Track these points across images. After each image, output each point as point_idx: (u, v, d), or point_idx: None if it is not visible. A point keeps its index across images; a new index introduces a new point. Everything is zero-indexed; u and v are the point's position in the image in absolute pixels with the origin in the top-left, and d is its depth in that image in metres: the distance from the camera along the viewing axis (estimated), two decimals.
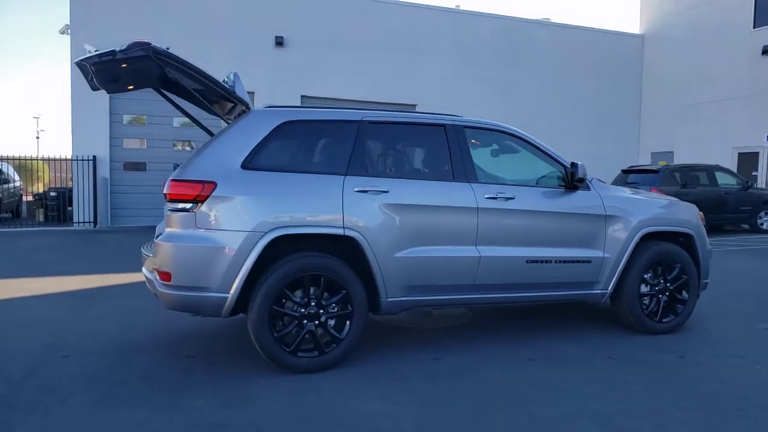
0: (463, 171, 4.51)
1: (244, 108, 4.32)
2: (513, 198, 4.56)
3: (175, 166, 5.22)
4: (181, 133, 16.66)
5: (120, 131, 16.00)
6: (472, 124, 4.69)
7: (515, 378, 3.94)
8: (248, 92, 20.04)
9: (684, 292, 5.16)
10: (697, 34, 19.88)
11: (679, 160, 19.24)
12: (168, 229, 3.91)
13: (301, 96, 16.80)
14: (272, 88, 16.11)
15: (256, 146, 4.01)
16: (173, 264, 3.81)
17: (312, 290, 3.99)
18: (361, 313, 4.09)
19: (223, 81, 4.22)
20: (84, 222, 15.34)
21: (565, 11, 60.84)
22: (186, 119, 17.20)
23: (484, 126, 4.76)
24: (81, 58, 4.08)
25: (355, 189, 4.12)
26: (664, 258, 5.06)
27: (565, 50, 20.12)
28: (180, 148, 16.66)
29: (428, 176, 4.50)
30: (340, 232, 4.03)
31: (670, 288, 5.11)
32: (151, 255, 4.19)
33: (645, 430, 3.14)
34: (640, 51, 21.56)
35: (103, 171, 15.53)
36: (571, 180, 4.77)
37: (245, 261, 3.82)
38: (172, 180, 3.89)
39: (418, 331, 5.14)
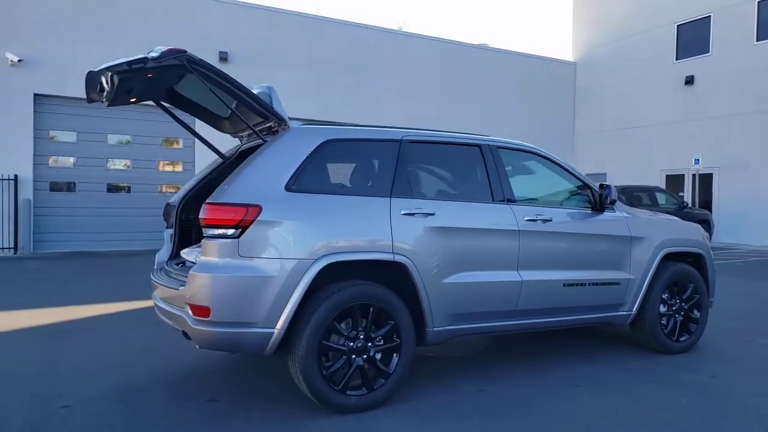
0: (501, 192, 4.35)
1: (275, 125, 3.97)
2: (550, 220, 4.45)
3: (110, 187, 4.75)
4: (117, 151, 15.65)
5: (46, 148, 14.81)
6: (503, 144, 4.56)
7: (576, 407, 3.77)
8: None
9: (696, 311, 5.23)
10: (625, 63, 21.08)
11: (611, 182, 20.16)
12: (204, 258, 3.47)
13: None
14: None
15: (299, 167, 3.67)
16: (213, 297, 3.38)
17: (360, 322, 3.68)
18: (409, 345, 3.80)
19: None
20: (3, 248, 13.99)
21: (504, 37, 63.05)
22: (124, 136, 16.40)
23: (514, 147, 4.64)
24: (109, 64, 3.59)
25: (402, 212, 3.86)
26: (680, 278, 5.11)
27: (502, 75, 20.74)
28: (114, 167, 15.63)
29: (469, 198, 4.29)
30: (389, 257, 3.74)
31: (685, 308, 5.16)
32: (168, 285, 3.74)
33: None
34: (573, 77, 22.59)
35: (26, 192, 14.29)
36: (601, 202, 4.72)
37: (294, 292, 3.45)
38: (210, 204, 3.47)
39: (445, 360, 4.89)
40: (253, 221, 3.42)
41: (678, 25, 19.77)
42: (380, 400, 3.70)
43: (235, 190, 3.50)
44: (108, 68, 3.57)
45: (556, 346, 5.31)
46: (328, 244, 3.57)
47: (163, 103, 4.50)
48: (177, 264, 4.30)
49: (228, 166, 4.68)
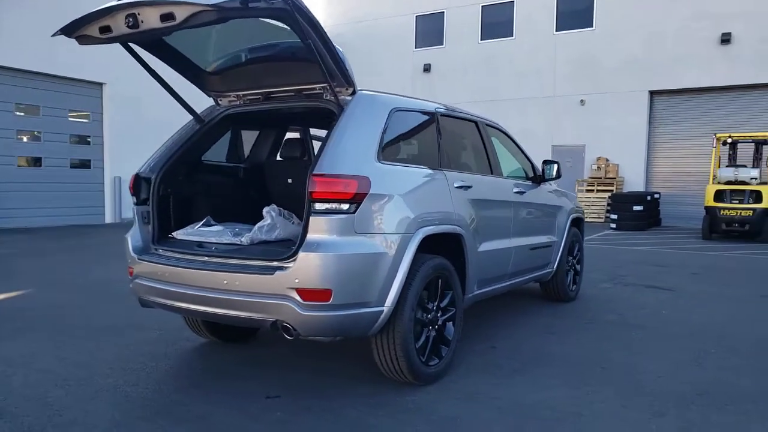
0: (497, 166, 4.75)
1: (326, 90, 3.64)
2: (524, 192, 5.02)
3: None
4: (25, 122, 13.51)
5: None
6: (488, 122, 4.94)
7: (556, 343, 4.45)
8: (97, 83, 15.71)
9: (578, 265, 6.43)
10: (371, 43, 22.60)
11: None
12: (316, 236, 3.10)
13: None
14: None
15: (380, 137, 3.49)
16: (335, 279, 3.07)
17: (434, 294, 3.72)
18: (460, 313, 3.98)
19: None
20: None
21: None
22: (30, 105, 13.22)
23: (490, 124, 5.03)
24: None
25: (455, 184, 3.98)
26: (575, 239, 6.22)
27: None
28: (23, 139, 13.69)
29: (480, 171, 4.57)
30: (457, 230, 3.86)
31: (575, 263, 6.31)
32: (213, 269, 3.29)
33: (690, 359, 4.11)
34: None
35: None
36: (543, 176, 5.44)
37: (400, 267, 3.34)
38: (320, 175, 3.10)
39: None
40: (366, 195, 3.19)
41: (417, 17, 22.10)
42: (445, 369, 3.83)
43: (334, 161, 3.19)
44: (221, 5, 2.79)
45: (499, 309, 5.95)
46: (422, 217, 3.53)
47: (135, 48, 3.65)
48: (178, 246, 3.66)
49: (208, 131, 4.10)
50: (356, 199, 3.15)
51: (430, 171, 3.82)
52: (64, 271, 7.88)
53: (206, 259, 3.43)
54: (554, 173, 5.35)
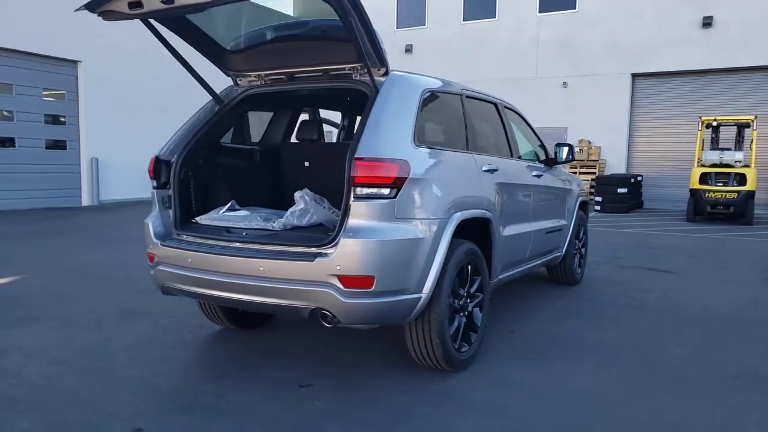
0: (516, 148, 4.69)
1: (355, 70, 3.52)
2: (542, 176, 4.98)
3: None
4: None
5: None
6: (505, 103, 4.86)
7: (570, 327, 4.46)
8: (72, 60, 14.98)
9: (583, 249, 6.45)
10: None
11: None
12: (357, 222, 3.00)
13: None
14: None
15: (415, 119, 3.39)
16: (378, 265, 2.98)
17: (464, 280, 3.67)
18: (488, 298, 3.94)
19: None
20: None
21: None
22: (2, 83, 12.50)
23: (507, 105, 4.96)
24: None
25: (483, 168, 3.91)
26: (581, 222, 6.22)
27: None
28: None
29: (502, 154, 4.50)
30: (486, 214, 3.80)
31: (580, 246, 6.32)
32: (246, 256, 3.17)
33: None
34: None
35: None
36: (556, 158, 5.40)
37: (437, 252, 3.27)
38: (362, 159, 3.00)
39: None
40: (406, 179, 3.10)
41: None
42: (473, 356, 3.79)
43: (371, 145, 3.09)
44: None
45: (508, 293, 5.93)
46: (456, 201, 3.46)
47: (158, 26, 3.49)
48: (204, 232, 3.53)
49: (228, 112, 3.96)
50: (397, 184, 3.06)
51: (461, 154, 3.75)
52: (52, 255, 7.62)
53: (238, 245, 3.31)
54: (567, 156, 5.32)
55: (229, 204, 3.81)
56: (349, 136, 5.41)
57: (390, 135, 3.18)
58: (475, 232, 3.82)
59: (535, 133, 5.36)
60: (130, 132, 15.85)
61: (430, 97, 3.66)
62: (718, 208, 12.30)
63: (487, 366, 3.72)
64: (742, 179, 12.17)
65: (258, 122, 4.75)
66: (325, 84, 3.70)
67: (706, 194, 12.34)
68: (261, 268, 3.12)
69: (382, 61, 3.38)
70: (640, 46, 17.45)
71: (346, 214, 3.04)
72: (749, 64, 15.98)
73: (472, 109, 4.20)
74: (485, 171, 3.92)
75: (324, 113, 5.29)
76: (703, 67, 16.68)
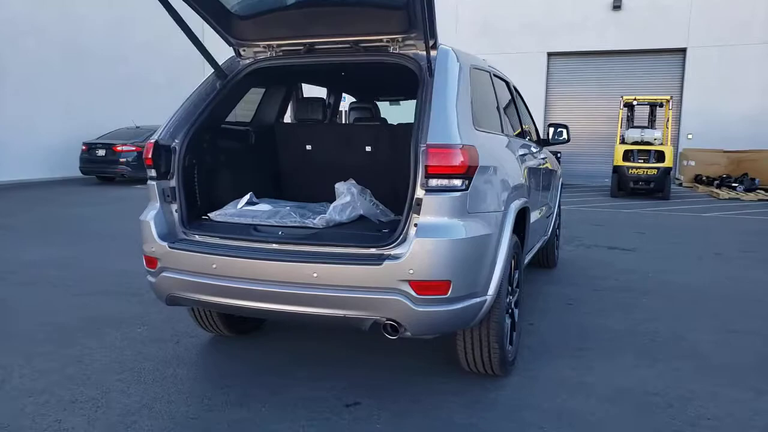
0: (526, 130, 4.44)
1: (393, 43, 3.07)
2: (545, 158, 4.77)
3: None
4: None
5: None
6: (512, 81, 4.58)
7: (579, 313, 4.36)
8: None
9: (558, 231, 6.38)
10: None
11: None
12: (429, 219, 2.59)
13: None
14: None
15: (471, 100, 3.01)
16: (456, 268, 2.61)
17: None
18: (523, 292, 3.69)
19: None
20: None
21: None
22: None
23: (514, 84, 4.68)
24: None
25: (518, 153, 3.61)
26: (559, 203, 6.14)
27: None
28: None
29: (520, 135, 4.22)
30: (528, 203, 3.51)
31: (557, 228, 6.25)
32: (290, 260, 2.69)
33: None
34: None
35: None
36: (548, 141, 5.20)
37: (500, 249, 2.95)
38: (434, 146, 2.58)
39: None
40: (477, 167, 2.73)
41: None
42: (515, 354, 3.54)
43: (453, 129, 2.69)
44: None
45: None
46: (511, 191, 3.15)
47: None
48: (222, 231, 2.99)
49: (232, 87, 3.39)
50: (469, 174, 2.68)
51: (502, 137, 3.42)
52: None
53: (275, 246, 2.79)
54: (565, 137, 5.13)
55: (247, 197, 3.25)
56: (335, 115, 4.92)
57: (458, 119, 2.78)
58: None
59: (528, 112, 5.14)
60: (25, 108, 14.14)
61: (474, 75, 3.29)
62: (639, 184, 12.88)
63: (532, 367, 3.46)
64: (660, 156, 12.80)
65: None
66: (353, 58, 3.22)
67: (630, 171, 12.87)
68: (314, 275, 2.64)
69: (433, 32, 2.95)
70: (555, 26, 17.87)
71: (414, 209, 2.63)
72: (656, 47, 16.85)
73: (497, 88, 3.88)
74: (520, 155, 3.63)
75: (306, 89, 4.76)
76: (613, 48, 17.37)
